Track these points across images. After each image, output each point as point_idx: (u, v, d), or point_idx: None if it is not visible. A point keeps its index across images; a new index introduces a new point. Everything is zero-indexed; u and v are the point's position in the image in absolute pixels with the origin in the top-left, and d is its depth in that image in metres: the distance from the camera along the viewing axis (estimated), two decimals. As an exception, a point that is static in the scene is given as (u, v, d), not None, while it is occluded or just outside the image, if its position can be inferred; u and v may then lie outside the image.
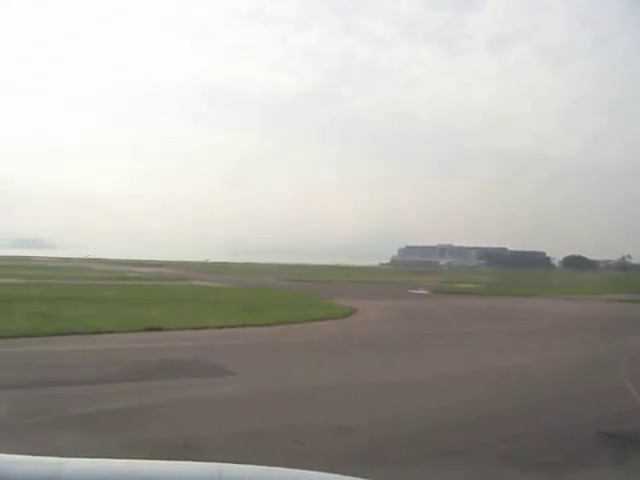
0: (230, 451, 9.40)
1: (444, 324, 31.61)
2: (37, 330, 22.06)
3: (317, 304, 39.15)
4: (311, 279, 76.74)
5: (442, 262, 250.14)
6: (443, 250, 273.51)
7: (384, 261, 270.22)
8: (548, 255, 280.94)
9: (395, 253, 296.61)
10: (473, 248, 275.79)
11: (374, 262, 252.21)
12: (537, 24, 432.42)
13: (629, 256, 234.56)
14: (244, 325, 26.82)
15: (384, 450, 9.92)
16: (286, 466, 2.38)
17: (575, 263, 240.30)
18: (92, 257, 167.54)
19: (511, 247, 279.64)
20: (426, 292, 61.32)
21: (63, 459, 2.36)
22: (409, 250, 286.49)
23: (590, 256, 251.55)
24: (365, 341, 24.18)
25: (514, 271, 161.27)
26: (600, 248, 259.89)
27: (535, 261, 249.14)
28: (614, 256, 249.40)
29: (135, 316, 27.13)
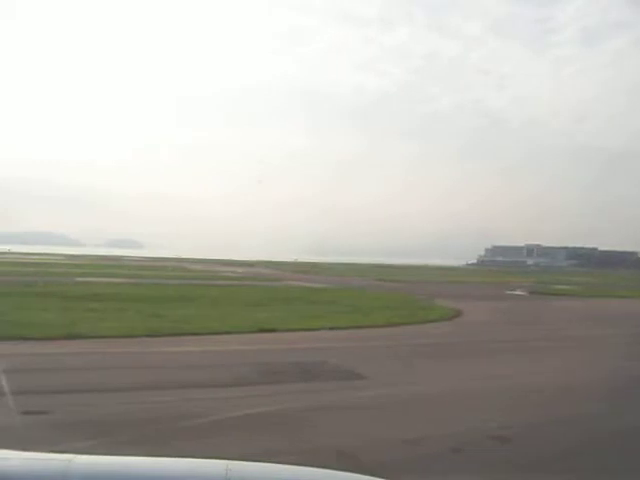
0: (391, 458, 9.24)
1: (556, 327, 30.58)
2: (155, 331, 22.38)
3: (419, 306, 38.64)
4: (403, 279, 76.17)
5: (530, 262, 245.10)
6: (531, 250, 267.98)
7: (470, 261, 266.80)
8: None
9: (481, 253, 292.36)
10: (562, 248, 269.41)
11: (460, 262, 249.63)
12: (635, 14, 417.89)
13: None
14: (356, 327, 26.63)
15: (548, 463, 9.50)
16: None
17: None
18: (182, 257, 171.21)
19: (601, 247, 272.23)
20: (523, 293, 59.90)
21: (70, 455, 2.36)
22: (496, 250, 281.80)
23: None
24: (482, 345, 23.60)
25: (606, 272, 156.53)
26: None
27: (626, 261, 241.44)
28: None
29: (245, 317, 27.31)
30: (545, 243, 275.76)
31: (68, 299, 31.87)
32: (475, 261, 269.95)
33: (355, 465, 8.89)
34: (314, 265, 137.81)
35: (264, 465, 2.57)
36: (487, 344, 23.78)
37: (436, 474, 9.05)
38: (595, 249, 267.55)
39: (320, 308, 33.54)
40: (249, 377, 15.29)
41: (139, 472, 2.38)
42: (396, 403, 13.34)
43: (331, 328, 25.69)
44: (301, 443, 9.98)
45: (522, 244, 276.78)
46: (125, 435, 9.84)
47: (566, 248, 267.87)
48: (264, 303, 34.89)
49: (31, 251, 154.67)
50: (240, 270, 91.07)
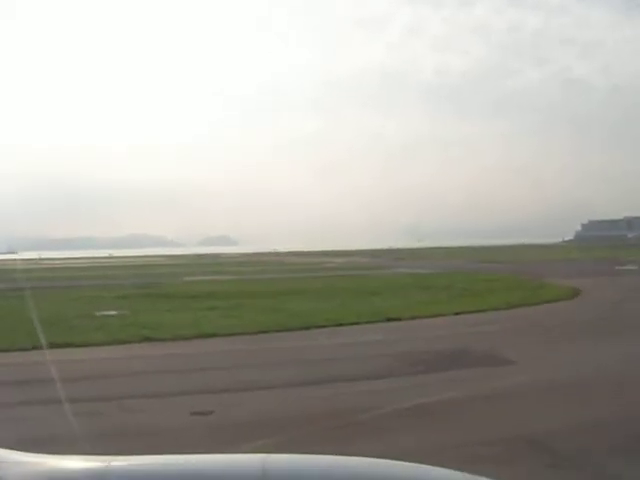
0: (592, 446, 8.84)
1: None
2: (281, 325, 22.44)
3: (532, 286, 37.66)
4: (504, 260, 74.76)
5: (630, 235, 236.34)
6: (631, 222, 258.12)
7: (567, 237, 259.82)
8: None
9: (578, 228, 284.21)
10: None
11: (556, 239, 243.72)
12: None
13: None
14: (479, 311, 26.07)
15: None
16: None
17: None
18: (277, 250, 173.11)
19: None
20: (635, 268, 57.56)
21: (109, 457, 2.31)
22: (593, 225, 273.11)
23: None
24: (619, 322, 22.55)
25: None
26: None
27: None
28: None
29: (366, 307, 27.08)
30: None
31: (183, 299, 32.44)
32: (572, 237, 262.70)
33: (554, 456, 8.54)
34: (409, 251, 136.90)
35: (300, 457, 2.46)
36: (624, 321, 22.79)
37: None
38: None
39: (436, 294, 33.09)
40: (400, 368, 15.05)
41: (176, 470, 2.34)
42: (560, 387, 12.78)
43: (456, 313, 25.27)
44: (492, 432, 9.71)
45: (621, 217, 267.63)
46: (309, 432, 9.74)
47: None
48: (378, 292, 34.58)
49: (132, 254, 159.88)
50: (339, 260, 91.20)
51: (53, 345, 16.51)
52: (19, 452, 2.46)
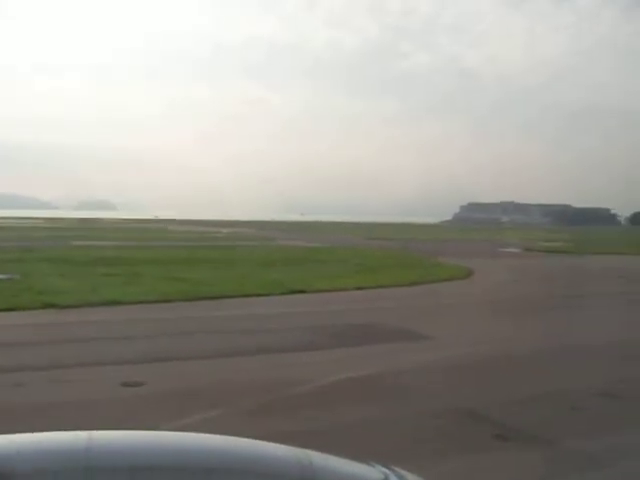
0: (521, 417, 9.16)
1: (578, 284, 30.16)
2: (186, 294, 21.85)
3: (427, 264, 38.43)
4: (392, 237, 76.09)
5: (504, 219, 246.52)
6: (506, 207, 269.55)
7: (445, 218, 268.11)
8: (613, 212, 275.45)
9: (456, 210, 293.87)
10: (536, 205, 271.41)
11: (434, 219, 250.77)
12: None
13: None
14: (380, 286, 26.32)
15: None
16: None
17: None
18: (158, 217, 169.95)
19: (575, 204, 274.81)
20: (518, 251, 59.78)
21: (86, 432, 2.29)
22: (471, 207, 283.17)
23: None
24: (516, 302, 23.36)
25: (582, 229, 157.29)
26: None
27: (600, 218, 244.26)
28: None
29: (266, 279, 26.74)
30: (519, 200, 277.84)
31: (78, 264, 31.10)
32: (450, 218, 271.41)
33: (496, 426, 8.64)
34: (293, 224, 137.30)
35: (347, 462, 2.53)
36: (519, 301, 23.65)
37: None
38: (569, 206, 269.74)
39: (333, 268, 33.16)
40: (317, 341, 14.87)
41: (220, 450, 2.34)
42: (478, 364, 13.03)
43: (358, 288, 25.40)
44: (426, 405, 9.75)
45: (497, 201, 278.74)
46: (243, 405, 9.43)
47: (540, 205, 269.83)
48: (273, 264, 34.34)
49: (3, 215, 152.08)
50: (224, 231, 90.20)
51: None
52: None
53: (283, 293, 23.29)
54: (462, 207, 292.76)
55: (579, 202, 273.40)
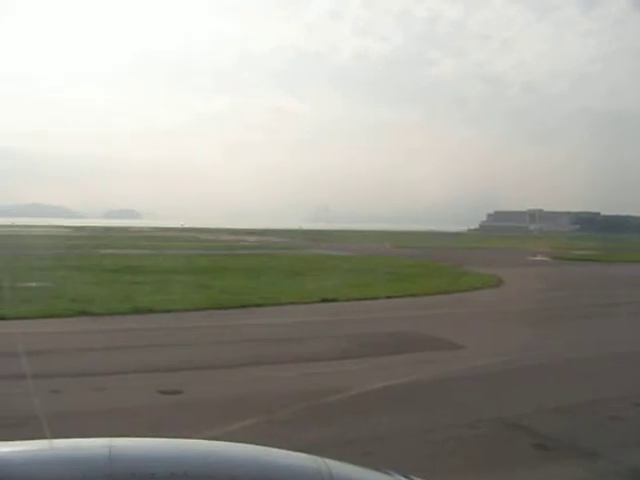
0: (560, 426, 9.03)
1: (610, 293, 29.80)
2: (216, 303, 21.86)
3: (456, 273, 38.20)
4: (419, 246, 75.70)
5: (532, 227, 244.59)
6: (533, 215, 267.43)
7: (472, 226, 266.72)
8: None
9: (482, 218, 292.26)
10: (564, 213, 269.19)
11: (461, 227, 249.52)
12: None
13: None
14: (411, 295, 26.22)
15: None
16: None
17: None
18: (185, 226, 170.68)
19: (604, 212, 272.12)
20: (547, 259, 59.30)
21: (108, 439, 2.33)
22: (498, 215, 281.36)
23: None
24: (548, 311, 23.09)
25: (612, 236, 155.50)
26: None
27: (630, 226, 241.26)
28: None
29: (296, 287, 26.78)
30: (547, 208, 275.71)
31: (108, 272, 31.37)
32: (477, 227, 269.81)
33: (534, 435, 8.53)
34: (322, 233, 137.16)
35: (365, 471, 2.57)
36: (552, 309, 23.41)
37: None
38: (598, 214, 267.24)
39: (363, 277, 33.01)
40: (352, 349, 14.90)
41: (233, 457, 2.39)
42: (515, 370, 12.98)
43: (388, 297, 25.29)
44: (466, 414, 9.64)
45: (524, 209, 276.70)
46: (281, 414, 9.40)
47: (568, 213, 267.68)
48: (303, 272, 34.35)
49: (35, 223, 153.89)
50: (252, 239, 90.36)
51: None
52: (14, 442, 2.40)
53: (313, 302, 23.25)
54: (489, 215, 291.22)
55: (608, 210, 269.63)
